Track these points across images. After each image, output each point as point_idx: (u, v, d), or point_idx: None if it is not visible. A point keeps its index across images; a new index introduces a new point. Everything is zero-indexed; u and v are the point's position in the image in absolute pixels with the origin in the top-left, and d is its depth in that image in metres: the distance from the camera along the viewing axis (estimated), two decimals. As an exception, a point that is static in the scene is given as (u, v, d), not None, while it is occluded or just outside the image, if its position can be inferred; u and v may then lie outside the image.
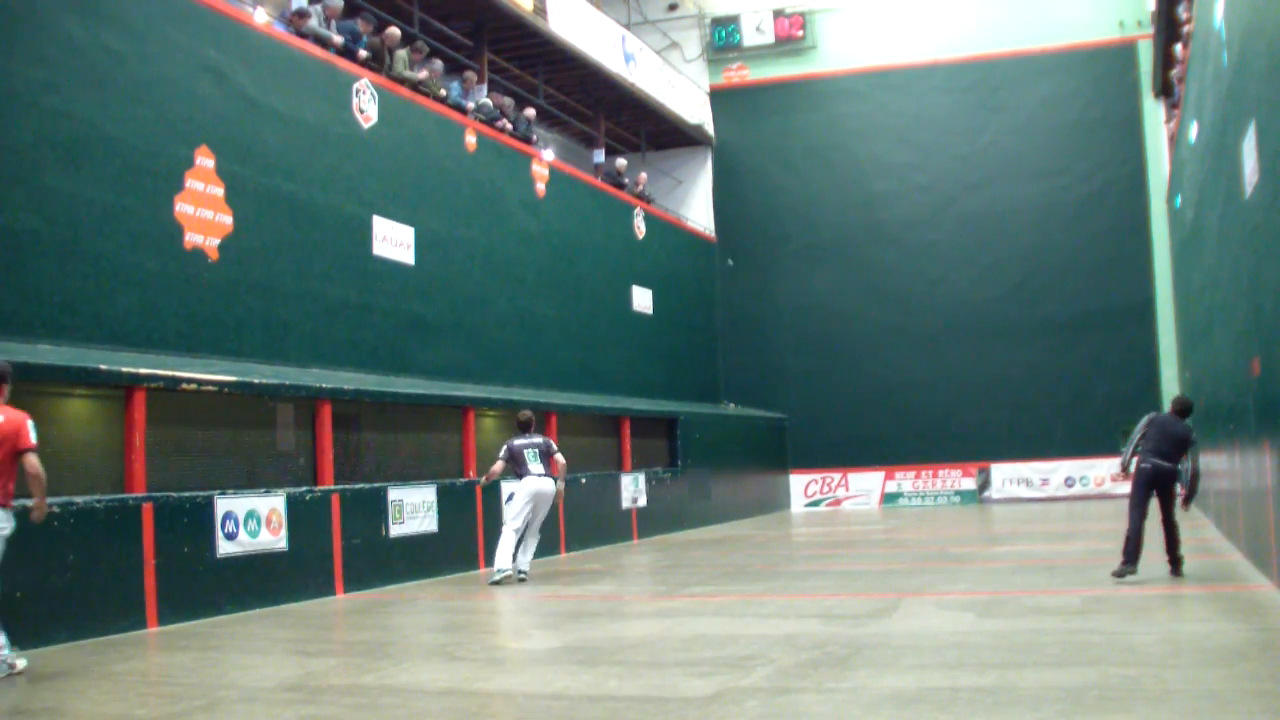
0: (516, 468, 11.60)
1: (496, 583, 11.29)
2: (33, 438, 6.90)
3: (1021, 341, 23.73)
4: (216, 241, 11.60)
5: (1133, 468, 10.00)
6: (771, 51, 25.79)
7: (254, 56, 12.37)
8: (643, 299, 21.43)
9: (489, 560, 13.38)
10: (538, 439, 11.82)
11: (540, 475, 11.55)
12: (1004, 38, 24.37)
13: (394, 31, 15.00)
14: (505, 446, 11.75)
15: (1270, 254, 7.99)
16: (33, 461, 6.85)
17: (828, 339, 24.63)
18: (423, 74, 15.48)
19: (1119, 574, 9.62)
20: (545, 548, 14.70)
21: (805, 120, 25.46)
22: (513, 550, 11.53)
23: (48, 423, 9.19)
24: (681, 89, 24.35)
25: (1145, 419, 10.08)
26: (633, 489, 17.43)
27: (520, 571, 11.67)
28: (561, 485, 11.86)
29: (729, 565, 13.03)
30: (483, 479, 12.40)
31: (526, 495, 11.49)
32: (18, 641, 7.87)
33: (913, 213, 24.62)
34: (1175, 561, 9.83)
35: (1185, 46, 16.39)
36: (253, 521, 10.12)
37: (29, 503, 8.24)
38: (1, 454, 6.82)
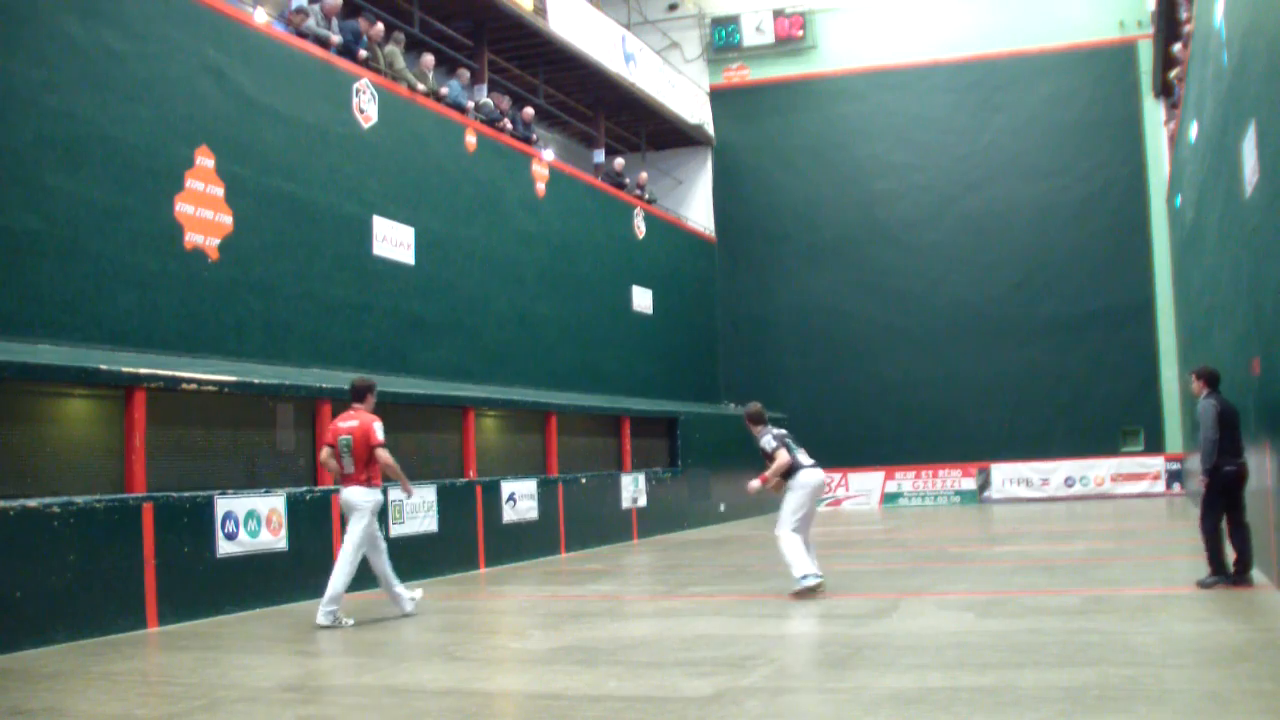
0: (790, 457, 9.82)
1: (812, 589, 9.46)
2: (380, 435, 8.74)
3: (1021, 341, 23.73)
4: (216, 241, 11.60)
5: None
6: (771, 51, 25.80)
7: (254, 56, 12.37)
8: (643, 299, 21.43)
9: (489, 560, 13.39)
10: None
11: (814, 465, 9.92)
12: (1004, 38, 24.38)
13: (378, 26, 14.91)
14: (774, 438, 9.88)
15: (1270, 254, 7.99)
16: (383, 455, 8.73)
17: (828, 339, 24.64)
18: (430, 85, 15.46)
19: (1208, 585, 8.97)
20: (545, 548, 14.74)
21: (805, 120, 25.46)
22: (806, 551, 9.71)
23: (48, 423, 9.22)
24: (681, 89, 24.35)
25: (1214, 413, 8.78)
26: (633, 489, 17.43)
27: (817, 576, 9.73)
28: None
29: (729, 565, 13.04)
30: (758, 483, 9.99)
31: (808, 490, 9.73)
32: (16, 642, 7.90)
33: (913, 213, 24.62)
34: (1246, 565, 9.00)
35: (1185, 46, 16.39)
36: (253, 521, 10.12)
37: (31, 503, 8.27)
38: (361, 450, 8.76)
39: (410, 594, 9.32)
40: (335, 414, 11.66)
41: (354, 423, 8.86)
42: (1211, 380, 9.15)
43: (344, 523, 9.08)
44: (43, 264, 9.80)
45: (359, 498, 8.83)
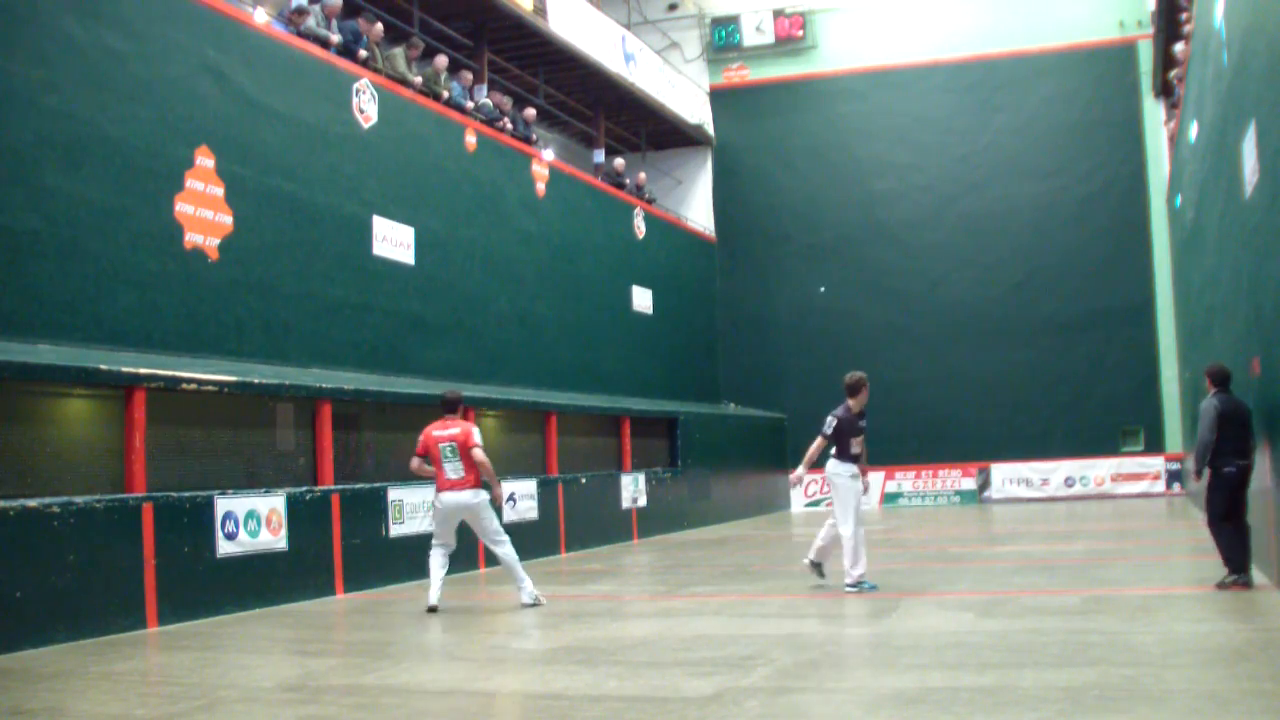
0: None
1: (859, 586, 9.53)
2: (477, 438, 9.44)
3: (1021, 341, 23.72)
4: (216, 241, 11.60)
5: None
6: (771, 51, 25.79)
7: (254, 56, 12.37)
8: (643, 299, 21.43)
9: (489, 561, 13.37)
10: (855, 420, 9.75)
11: (834, 461, 9.80)
12: (1004, 38, 24.37)
13: (378, 26, 14.90)
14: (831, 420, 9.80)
15: (1270, 254, 7.99)
16: (478, 454, 9.36)
17: (828, 339, 24.60)
18: (443, 84, 15.47)
19: (1227, 585, 8.86)
20: (545, 548, 14.73)
21: (805, 120, 25.45)
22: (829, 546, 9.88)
23: (48, 423, 9.22)
24: (681, 89, 24.35)
25: (1213, 414, 8.72)
26: (633, 489, 17.43)
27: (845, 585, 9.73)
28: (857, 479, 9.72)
29: (729, 565, 13.04)
30: (800, 471, 10.33)
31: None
32: (16, 642, 7.90)
33: (913, 213, 24.61)
34: (1245, 568, 8.90)
35: (1185, 46, 16.39)
36: (253, 521, 10.12)
37: (31, 503, 8.28)
38: (463, 453, 9.39)
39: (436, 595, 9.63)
40: (334, 414, 11.74)
41: (455, 429, 9.47)
42: (1219, 379, 9.03)
43: (444, 524, 9.63)
44: (43, 264, 9.80)
45: (477, 499, 9.45)
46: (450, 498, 9.43)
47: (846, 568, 9.69)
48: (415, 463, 9.58)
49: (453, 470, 9.40)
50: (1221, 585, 8.87)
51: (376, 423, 12.92)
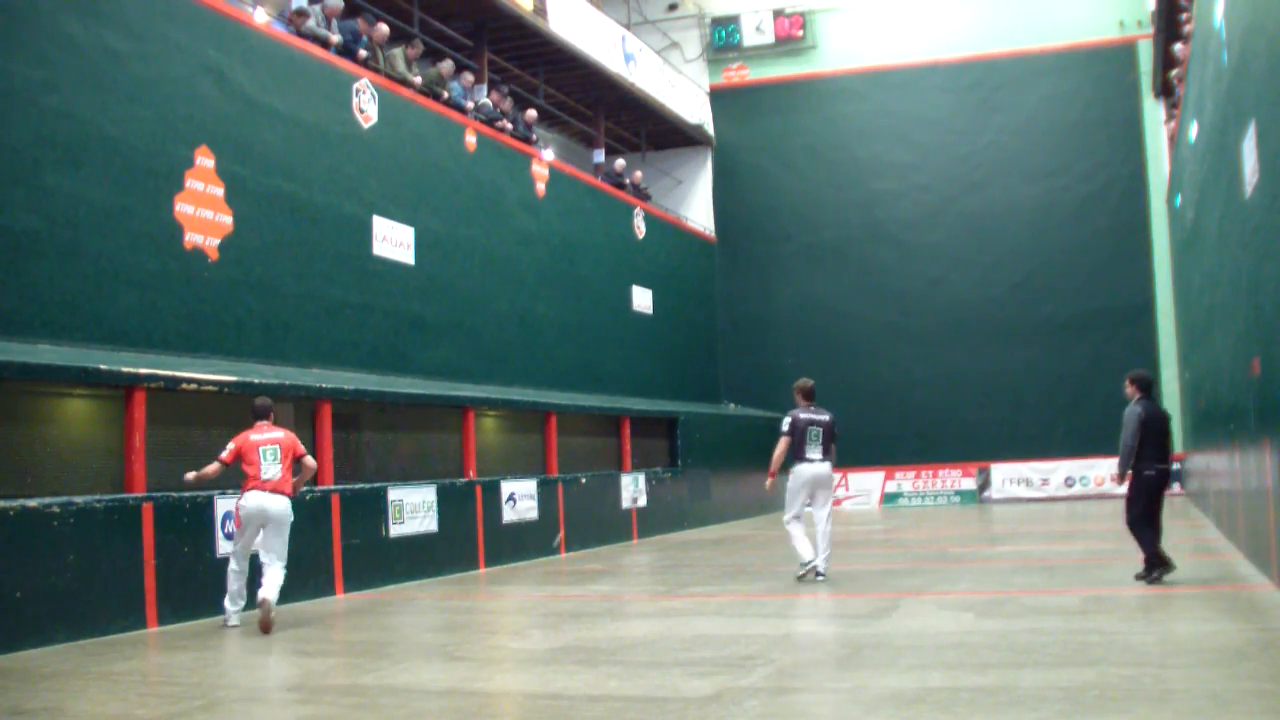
0: (796, 447, 10.63)
1: (801, 577, 10.52)
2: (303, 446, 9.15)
3: (1021, 341, 23.72)
4: (216, 241, 11.60)
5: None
6: (771, 51, 25.80)
7: (254, 56, 12.37)
8: (643, 299, 21.43)
9: (489, 560, 13.40)
10: (824, 415, 10.73)
11: (817, 461, 10.61)
12: (1004, 38, 24.38)
13: (383, 28, 14.92)
14: (789, 419, 10.71)
15: (1270, 254, 7.99)
16: (310, 462, 9.16)
17: (828, 339, 24.62)
18: (419, 78, 15.48)
19: (1152, 579, 9.39)
20: (545, 548, 14.74)
21: (805, 120, 25.46)
22: (807, 540, 10.63)
23: (48, 423, 9.22)
24: (681, 89, 24.35)
25: (1135, 420, 9.55)
26: (633, 489, 17.43)
27: (818, 573, 10.52)
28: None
29: (729, 565, 13.04)
30: (772, 467, 10.82)
31: (800, 484, 10.65)
32: (16, 642, 7.90)
33: (913, 213, 24.62)
34: (1165, 562, 9.49)
35: (1185, 46, 16.40)
36: (253, 521, 10.10)
37: (31, 503, 8.27)
38: (287, 459, 8.95)
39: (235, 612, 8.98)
40: (334, 414, 11.73)
41: (279, 434, 9.01)
42: (1143, 385, 9.78)
43: (237, 529, 9.06)
44: (43, 264, 9.80)
45: (286, 509, 8.86)
46: (262, 498, 8.72)
47: (825, 554, 10.58)
48: (214, 467, 8.78)
49: (271, 472, 8.78)
50: (1140, 578, 9.46)
51: (376, 423, 12.92)
